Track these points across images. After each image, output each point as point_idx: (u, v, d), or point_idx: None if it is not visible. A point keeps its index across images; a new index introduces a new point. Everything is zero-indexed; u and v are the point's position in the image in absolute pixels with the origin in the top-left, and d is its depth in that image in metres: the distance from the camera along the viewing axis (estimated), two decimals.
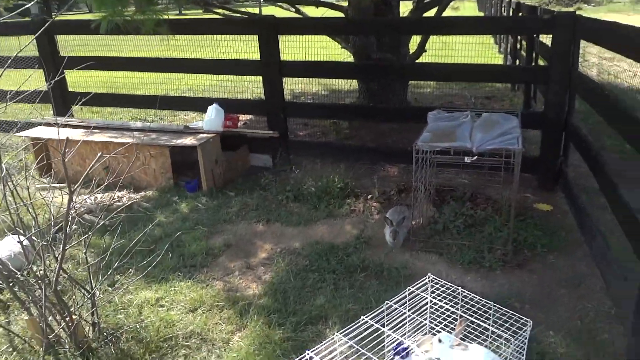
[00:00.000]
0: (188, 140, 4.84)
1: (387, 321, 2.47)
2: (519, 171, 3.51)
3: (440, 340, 2.48)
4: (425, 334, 2.75)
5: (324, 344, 2.19)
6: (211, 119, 5.18)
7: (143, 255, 3.56)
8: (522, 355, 2.33)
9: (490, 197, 4.58)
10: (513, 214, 3.69)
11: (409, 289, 2.53)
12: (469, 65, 5.37)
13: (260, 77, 5.27)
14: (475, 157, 3.44)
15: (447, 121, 4.00)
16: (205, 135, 5.00)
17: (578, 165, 4.67)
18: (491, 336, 2.46)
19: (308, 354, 2.10)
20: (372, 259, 3.64)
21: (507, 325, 2.42)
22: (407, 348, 2.62)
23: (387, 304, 2.44)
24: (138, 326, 2.94)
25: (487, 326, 2.40)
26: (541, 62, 6.93)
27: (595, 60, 8.45)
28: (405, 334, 2.65)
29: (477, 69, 5.16)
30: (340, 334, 2.22)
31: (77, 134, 5.20)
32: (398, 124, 6.33)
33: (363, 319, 2.31)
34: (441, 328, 2.62)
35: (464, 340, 2.43)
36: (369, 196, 4.65)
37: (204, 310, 3.15)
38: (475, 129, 3.77)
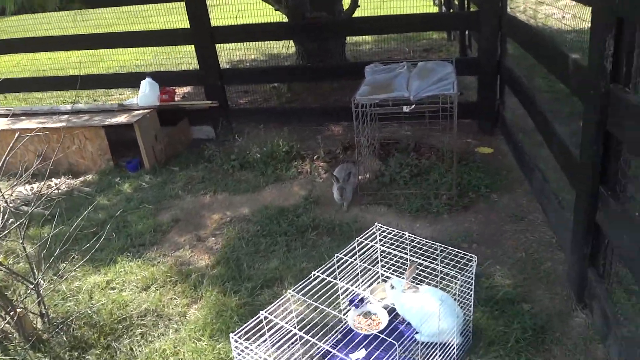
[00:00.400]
0: (123, 118, 4.66)
1: (339, 274, 2.50)
2: (458, 117, 3.57)
3: (392, 286, 2.54)
4: (379, 282, 2.81)
5: (277, 302, 2.19)
6: (145, 94, 4.99)
7: (88, 240, 3.44)
8: (471, 290, 2.41)
9: (434, 145, 4.66)
10: (456, 159, 3.77)
11: (358, 240, 2.56)
12: (402, 16, 5.37)
13: (193, 47, 5.09)
14: (413, 106, 3.46)
15: (384, 73, 4.00)
16: (141, 111, 4.82)
17: (515, 108, 4.80)
18: (440, 275, 2.53)
19: (262, 314, 2.10)
20: (323, 217, 3.66)
21: (453, 263, 2.49)
22: (361, 297, 2.67)
23: (337, 256, 2.46)
24: (90, 311, 2.86)
25: (435, 266, 2.46)
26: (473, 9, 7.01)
27: (524, 6, 8.62)
28: (358, 284, 2.69)
29: (410, 19, 5.16)
30: (293, 291, 2.23)
31: (1, 123, 4.92)
32: (339, 83, 6.31)
33: (314, 274, 2.32)
34: (393, 274, 2.68)
35: (415, 283, 2.49)
36: (315, 157, 4.65)
37: (157, 287, 3.09)
38: (411, 79, 3.79)
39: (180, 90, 7.10)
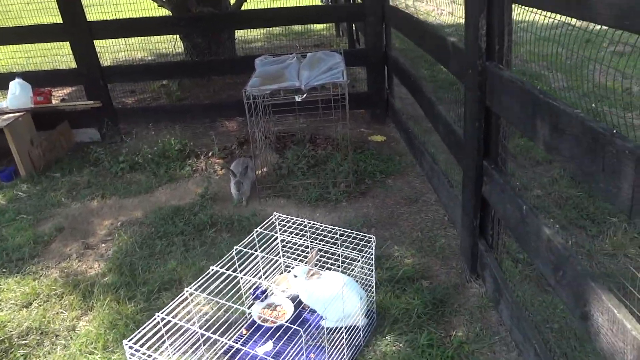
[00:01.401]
0: None
1: (239, 267, 2.42)
2: (350, 107, 3.62)
3: (295, 275, 2.51)
4: (282, 272, 2.77)
5: (174, 302, 2.07)
6: (15, 95, 4.54)
7: None
8: (372, 270, 2.44)
9: (329, 136, 4.71)
10: (351, 148, 3.83)
11: (257, 230, 2.49)
12: (290, 9, 5.37)
13: (68, 43, 4.71)
14: (305, 95, 3.46)
15: (275, 65, 3.96)
16: (11, 114, 4.38)
17: (404, 97, 5.00)
18: (340, 259, 2.54)
19: (158, 316, 1.97)
20: (221, 214, 3.55)
21: (353, 246, 2.51)
22: (264, 290, 2.61)
23: (236, 249, 2.38)
24: None
25: (335, 250, 2.46)
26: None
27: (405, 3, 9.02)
28: (260, 276, 2.63)
29: (298, 12, 5.17)
30: (191, 288, 2.12)
31: None
32: (230, 78, 6.18)
33: (212, 269, 2.22)
34: (295, 263, 2.65)
35: (317, 269, 2.47)
36: (210, 153, 4.50)
37: (40, 302, 2.81)
38: (302, 69, 3.78)
39: (60, 92, 6.57)
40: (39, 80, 4.79)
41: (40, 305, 2.78)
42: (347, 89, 3.43)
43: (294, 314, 2.51)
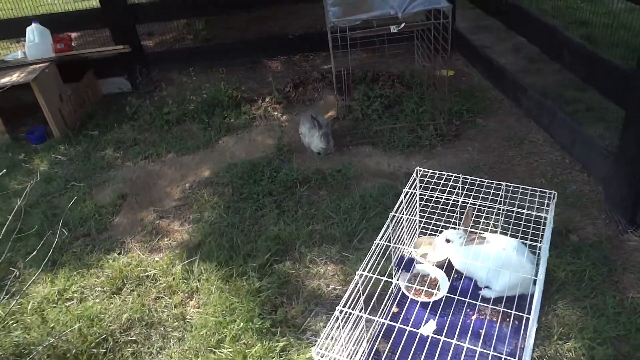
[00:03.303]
0: (15, 77, 3.60)
1: (392, 234, 2.00)
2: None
3: (448, 240, 2.11)
4: (419, 235, 2.37)
5: (348, 291, 1.64)
6: (35, 43, 3.91)
7: (8, 240, 2.57)
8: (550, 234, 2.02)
9: (392, 72, 4.19)
10: (447, 85, 3.36)
11: (406, 191, 2.06)
12: None
13: None
14: (403, 25, 2.93)
15: None
16: (36, 66, 3.77)
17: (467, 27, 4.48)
18: (502, 219, 2.12)
19: (339, 309, 1.56)
20: (306, 168, 3.10)
21: (519, 203, 2.09)
22: (410, 259, 2.22)
23: (396, 216, 1.96)
24: (51, 338, 2.11)
25: (493, 209, 2.05)
26: None
27: None
28: (404, 242, 2.23)
29: None
30: (361, 271, 1.70)
31: None
32: (261, 12, 5.47)
33: (377, 242, 1.80)
34: (435, 223, 2.24)
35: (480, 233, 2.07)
36: (267, 98, 3.98)
37: (131, 287, 2.39)
38: None
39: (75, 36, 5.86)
40: (57, 24, 4.13)
41: (132, 291, 2.36)
42: (450, 15, 2.91)
43: (448, 285, 2.13)
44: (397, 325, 1.65)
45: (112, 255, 2.58)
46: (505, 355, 1.71)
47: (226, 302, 2.20)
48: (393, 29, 2.95)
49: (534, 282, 2.04)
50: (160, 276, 2.41)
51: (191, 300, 2.29)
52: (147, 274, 2.43)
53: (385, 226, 1.86)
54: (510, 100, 3.60)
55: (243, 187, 2.98)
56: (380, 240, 1.80)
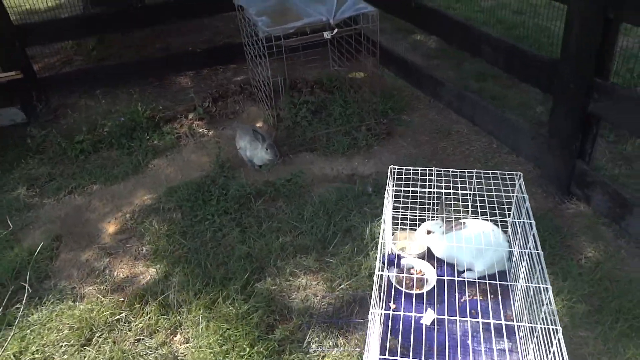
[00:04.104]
0: None
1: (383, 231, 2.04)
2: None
3: (429, 231, 2.20)
4: (394, 231, 2.42)
5: (374, 290, 1.64)
6: None
7: None
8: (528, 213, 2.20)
9: (307, 79, 4.24)
10: (378, 86, 3.48)
11: (389, 189, 2.10)
12: None
13: None
14: (335, 31, 2.98)
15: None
16: None
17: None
18: (470, 202, 2.25)
19: (372, 311, 1.56)
20: (255, 180, 3.03)
21: (485, 187, 2.23)
22: (395, 254, 2.28)
23: (386, 214, 1.99)
24: None
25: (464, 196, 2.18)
26: None
27: None
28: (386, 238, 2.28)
29: None
30: (379, 271, 1.71)
31: None
32: (152, 28, 5.21)
33: (382, 242, 1.83)
34: (409, 215, 2.32)
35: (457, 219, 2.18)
36: (189, 116, 3.81)
37: (103, 334, 2.15)
38: (300, 2, 3.24)
39: None
40: None
41: (106, 338, 2.13)
42: (378, 20, 3.03)
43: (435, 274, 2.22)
44: (401, 313, 1.69)
45: (66, 304, 2.31)
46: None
47: (218, 330, 2.08)
48: (326, 35, 3.00)
49: (509, 257, 2.22)
50: (132, 317, 2.21)
51: (175, 336, 2.13)
52: (116, 317, 2.21)
53: (382, 226, 1.89)
54: (428, 95, 3.83)
55: (194, 209, 2.83)
56: (383, 240, 1.83)
